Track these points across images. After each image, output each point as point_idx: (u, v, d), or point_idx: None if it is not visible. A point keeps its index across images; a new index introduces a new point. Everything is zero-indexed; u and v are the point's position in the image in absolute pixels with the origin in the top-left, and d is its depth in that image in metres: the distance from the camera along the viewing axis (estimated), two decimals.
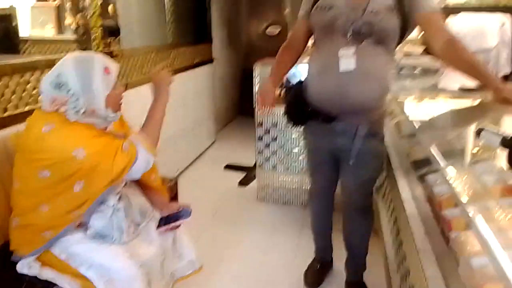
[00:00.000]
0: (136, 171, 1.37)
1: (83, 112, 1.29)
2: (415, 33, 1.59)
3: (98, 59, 1.33)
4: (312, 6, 1.60)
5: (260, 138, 2.87)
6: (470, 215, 0.73)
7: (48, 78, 1.29)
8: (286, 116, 1.80)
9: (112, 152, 1.29)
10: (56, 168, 1.24)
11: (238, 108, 5.61)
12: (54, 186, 1.27)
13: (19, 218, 1.34)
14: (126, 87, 2.56)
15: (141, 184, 1.64)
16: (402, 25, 1.48)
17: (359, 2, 1.49)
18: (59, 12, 2.67)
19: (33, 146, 1.26)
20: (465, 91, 1.64)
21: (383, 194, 2.07)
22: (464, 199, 0.78)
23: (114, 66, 1.36)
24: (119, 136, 1.44)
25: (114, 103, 1.37)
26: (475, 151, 0.97)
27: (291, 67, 1.80)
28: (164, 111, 1.48)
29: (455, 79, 1.82)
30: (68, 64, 1.29)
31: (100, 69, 1.31)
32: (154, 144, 1.41)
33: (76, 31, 2.29)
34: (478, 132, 0.92)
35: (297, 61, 1.80)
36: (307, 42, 1.76)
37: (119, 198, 1.45)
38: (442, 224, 1.12)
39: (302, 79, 1.73)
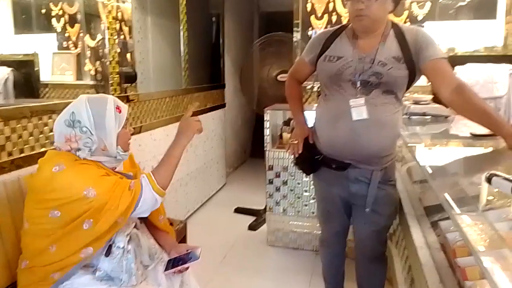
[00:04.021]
0: (144, 210, 1.37)
1: (95, 150, 1.33)
2: (423, 81, 1.61)
3: (110, 99, 1.39)
4: (319, 55, 1.62)
5: (271, 182, 2.87)
6: (485, 264, 0.71)
7: (62, 117, 1.34)
8: (296, 165, 1.78)
9: (120, 191, 1.31)
10: (67, 208, 1.26)
11: (250, 151, 5.66)
12: (64, 225, 1.28)
13: (28, 261, 1.34)
14: (140, 130, 2.62)
15: (149, 225, 1.64)
16: (409, 73, 1.49)
17: (367, 53, 1.52)
18: (79, 60, 2.81)
19: (44, 187, 1.28)
20: (476, 138, 1.64)
21: (396, 241, 2.02)
22: (478, 247, 0.76)
23: (124, 106, 1.42)
24: (129, 176, 1.46)
25: (124, 142, 1.42)
26: (488, 197, 0.95)
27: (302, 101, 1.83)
28: (180, 154, 1.47)
29: (466, 126, 1.83)
30: (82, 103, 1.34)
31: (112, 107, 1.36)
32: (163, 184, 1.40)
33: (95, 77, 2.39)
34: (489, 179, 0.91)
35: (303, 108, 1.82)
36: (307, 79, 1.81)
37: (129, 240, 1.44)
38: (457, 273, 1.09)
39: (309, 126, 1.75)
